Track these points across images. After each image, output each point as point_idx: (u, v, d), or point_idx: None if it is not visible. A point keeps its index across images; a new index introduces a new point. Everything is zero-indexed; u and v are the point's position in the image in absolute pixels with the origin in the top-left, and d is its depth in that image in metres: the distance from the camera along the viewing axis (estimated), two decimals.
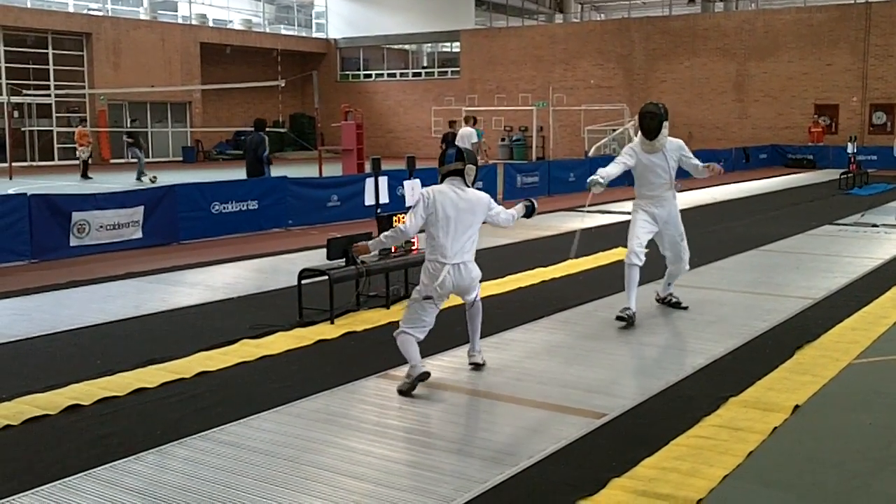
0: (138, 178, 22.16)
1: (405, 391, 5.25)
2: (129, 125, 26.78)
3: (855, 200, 17.54)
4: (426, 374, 5.28)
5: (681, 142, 7.24)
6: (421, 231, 5.46)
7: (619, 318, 6.83)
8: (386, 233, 5.63)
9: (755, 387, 5.29)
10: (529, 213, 5.86)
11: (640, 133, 7.05)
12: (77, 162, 24.45)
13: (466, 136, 19.75)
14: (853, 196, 18.67)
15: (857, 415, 4.90)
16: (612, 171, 6.92)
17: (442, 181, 5.48)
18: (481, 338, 5.83)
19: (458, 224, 5.32)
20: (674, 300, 7.57)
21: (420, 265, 8.01)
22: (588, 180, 6.85)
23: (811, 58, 31.38)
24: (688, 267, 7.46)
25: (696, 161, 7.23)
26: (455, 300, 7.85)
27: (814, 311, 7.50)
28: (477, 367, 5.72)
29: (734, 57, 32.70)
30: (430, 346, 6.18)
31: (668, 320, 7.20)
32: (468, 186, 5.44)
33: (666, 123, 6.95)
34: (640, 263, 6.90)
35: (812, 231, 12.89)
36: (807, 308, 7.62)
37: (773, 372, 5.61)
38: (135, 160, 23.59)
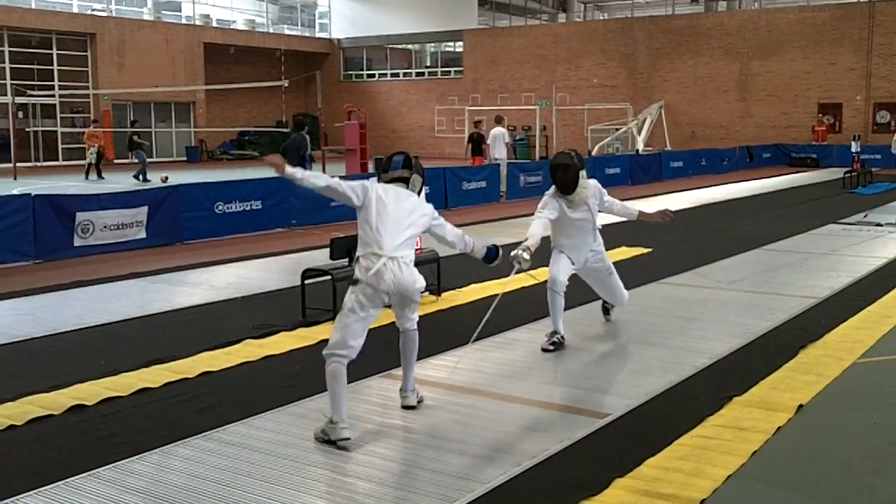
0: (137, 178, 22.23)
1: (320, 439, 4.49)
2: (129, 126, 26.63)
3: (859, 199, 17.50)
4: (346, 441, 4.39)
5: (597, 184, 6.41)
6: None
7: (546, 350, 6.13)
8: (310, 172, 4.92)
9: (759, 386, 5.28)
10: (491, 255, 5.23)
11: (554, 187, 6.22)
12: (84, 162, 24.52)
13: (499, 135, 19.62)
14: (857, 195, 18.63)
15: (860, 414, 4.89)
16: (537, 232, 5.89)
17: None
18: (483, 338, 5.81)
19: (398, 221, 4.70)
20: (608, 307, 7.01)
21: (422, 265, 8.01)
22: (513, 255, 5.42)
23: (814, 57, 31.32)
24: (626, 300, 6.81)
25: (625, 204, 6.61)
26: (459, 299, 7.87)
27: (817, 311, 7.49)
28: (410, 409, 4.99)
29: (737, 56, 32.66)
30: (432, 347, 6.19)
31: (670, 320, 7.19)
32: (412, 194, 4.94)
33: (583, 173, 6.16)
34: (563, 291, 6.24)
35: (816, 230, 12.87)
36: (810, 307, 7.60)
37: (776, 371, 5.60)
38: (136, 160, 23.68)
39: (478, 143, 20.13)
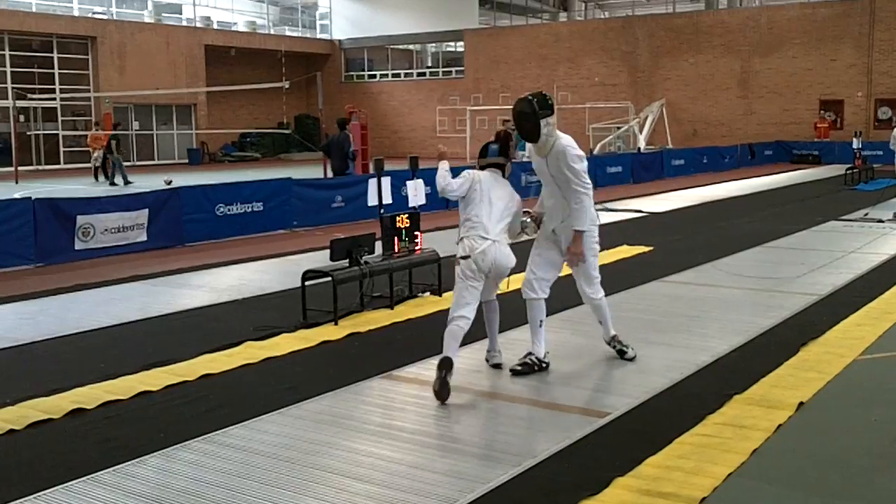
0: (126, 181, 22.30)
1: (439, 390, 5.06)
2: (112, 128, 26.15)
3: (860, 196, 17.47)
4: (446, 361, 5.09)
5: (565, 146, 5.46)
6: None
7: (514, 371, 5.58)
8: (444, 170, 5.63)
9: (760, 384, 5.28)
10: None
11: None
12: (88, 165, 24.50)
13: None
14: (859, 191, 18.61)
15: (861, 411, 4.88)
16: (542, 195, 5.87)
17: (481, 170, 5.72)
18: (483, 338, 5.82)
19: (498, 209, 5.51)
20: (618, 347, 5.96)
21: (423, 265, 8.03)
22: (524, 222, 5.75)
23: (815, 53, 31.28)
24: (597, 297, 5.83)
25: (575, 187, 5.43)
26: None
27: (819, 308, 7.47)
28: (498, 367, 5.71)
29: (738, 53, 32.63)
30: (434, 347, 6.19)
31: (671, 318, 7.18)
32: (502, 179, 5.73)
33: (548, 120, 5.40)
34: (540, 295, 5.66)
35: (817, 227, 12.85)
36: (812, 304, 7.59)
37: (777, 369, 5.59)
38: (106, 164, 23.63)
39: (505, 141, 20.26)
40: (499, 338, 6.02)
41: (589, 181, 5.52)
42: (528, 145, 5.83)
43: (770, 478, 3.97)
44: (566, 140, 5.53)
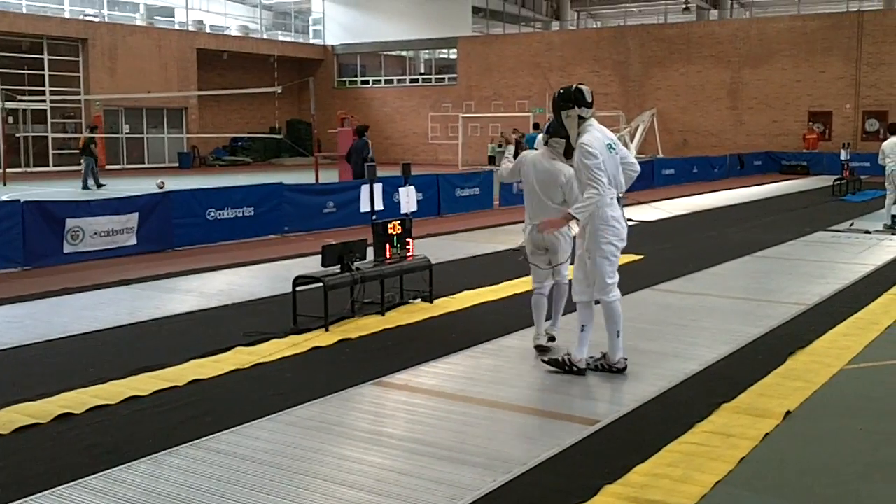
0: (88, 187, 22.17)
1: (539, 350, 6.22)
2: (90, 131, 25.28)
3: (848, 207, 17.60)
4: (541, 348, 6.18)
5: (581, 141, 5.72)
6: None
7: (545, 362, 5.92)
8: (506, 156, 6.60)
9: (747, 393, 5.31)
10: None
11: None
12: (79, 168, 24.36)
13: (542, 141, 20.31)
14: (847, 202, 18.74)
15: (847, 420, 4.92)
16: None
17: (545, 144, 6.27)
18: (475, 345, 5.87)
19: (535, 188, 6.13)
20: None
21: (414, 272, 8.06)
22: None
23: (805, 65, 31.52)
24: (605, 297, 5.77)
25: (586, 181, 5.66)
26: (451, 306, 7.89)
27: (806, 317, 7.52)
28: (551, 339, 6.33)
29: (729, 64, 32.83)
30: (425, 353, 6.21)
31: (660, 326, 7.21)
32: (556, 158, 6.13)
33: (567, 112, 5.81)
34: (580, 298, 5.79)
35: (806, 237, 12.93)
36: (800, 314, 7.64)
37: (765, 378, 5.63)
38: (79, 167, 23.41)
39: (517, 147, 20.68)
40: (489, 345, 6.09)
41: (601, 178, 5.43)
42: (538, 141, 6.62)
43: (757, 486, 4.00)
44: (585, 136, 5.64)
